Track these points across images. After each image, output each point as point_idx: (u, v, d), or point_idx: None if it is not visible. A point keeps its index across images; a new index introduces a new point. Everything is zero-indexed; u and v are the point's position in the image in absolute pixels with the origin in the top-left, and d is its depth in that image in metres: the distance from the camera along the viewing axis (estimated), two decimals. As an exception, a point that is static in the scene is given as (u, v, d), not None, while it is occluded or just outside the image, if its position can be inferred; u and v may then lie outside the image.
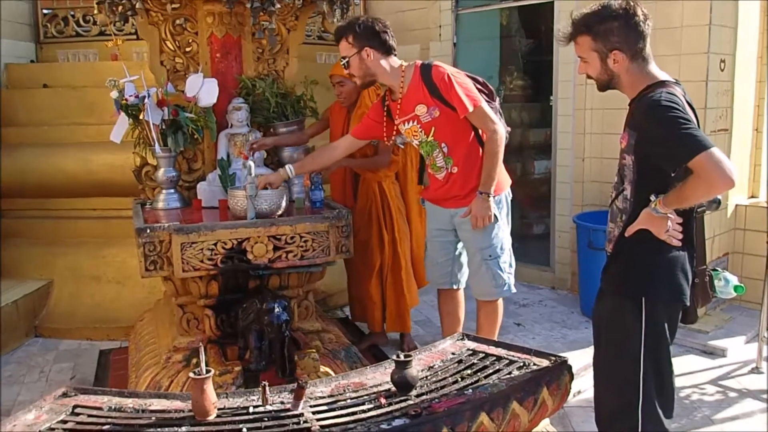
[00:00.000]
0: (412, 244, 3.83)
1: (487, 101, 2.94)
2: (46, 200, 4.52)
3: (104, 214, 4.47)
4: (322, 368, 2.85)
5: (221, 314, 2.99)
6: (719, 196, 2.09)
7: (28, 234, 4.52)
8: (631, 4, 2.08)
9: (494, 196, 2.91)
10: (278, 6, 3.02)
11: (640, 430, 2.11)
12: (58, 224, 4.50)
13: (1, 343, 3.79)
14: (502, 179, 3.01)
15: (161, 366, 2.95)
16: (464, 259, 3.17)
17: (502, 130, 2.87)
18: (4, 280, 4.25)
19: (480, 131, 2.90)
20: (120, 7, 3.11)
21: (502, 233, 3.01)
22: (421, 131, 2.94)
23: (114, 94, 3.14)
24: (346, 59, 2.94)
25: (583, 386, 3.25)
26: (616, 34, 2.07)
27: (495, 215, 2.90)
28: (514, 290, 3.11)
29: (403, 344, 3.85)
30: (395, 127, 3.05)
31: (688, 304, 2.10)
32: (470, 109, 2.80)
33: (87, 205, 4.49)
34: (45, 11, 5.20)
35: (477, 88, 2.94)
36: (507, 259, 3.05)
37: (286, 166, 3.04)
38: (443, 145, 2.92)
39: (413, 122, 2.93)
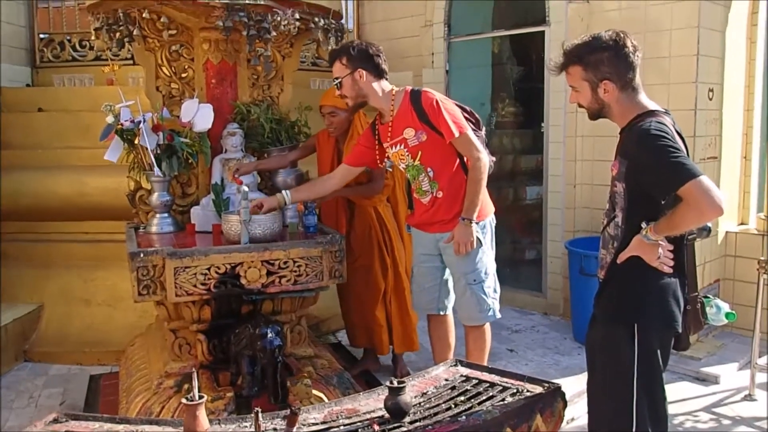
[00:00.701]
0: (407, 267, 3.85)
1: (473, 130, 3.01)
2: (38, 223, 4.50)
3: (96, 237, 4.44)
4: (315, 394, 2.82)
5: (213, 339, 2.98)
6: (709, 224, 2.12)
7: (19, 257, 4.49)
8: (621, 35, 2.12)
9: (478, 222, 2.95)
10: (274, 34, 3.06)
11: (633, 456, 2.10)
12: (50, 247, 4.47)
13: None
14: (486, 205, 3.05)
15: (152, 392, 2.92)
16: (451, 284, 3.19)
17: (486, 158, 2.93)
18: (-7, 304, 4.23)
19: (465, 158, 2.95)
20: (118, 34, 3.14)
21: (486, 258, 3.04)
22: (408, 155, 2.98)
23: (110, 118, 3.16)
24: (339, 80, 2.99)
25: (577, 413, 3.24)
26: (606, 65, 2.11)
27: (479, 239, 2.94)
28: (498, 315, 3.13)
29: (396, 370, 3.83)
30: (385, 151, 3.09)
31: (680, 330, 2.12)
32: (456, 134, 2.85)
33: (79, 228, 4.47)
34: (42, 36, 5.25)
35: (464, 117, 3.01)
36: (491, 284, 3.08)
37: (283, 192, 3.06)
38: (429, 169, 2.97)
39: (401, 146, 2.98)
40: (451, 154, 2.95)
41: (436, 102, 2.88)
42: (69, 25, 5.29)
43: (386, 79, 3.05)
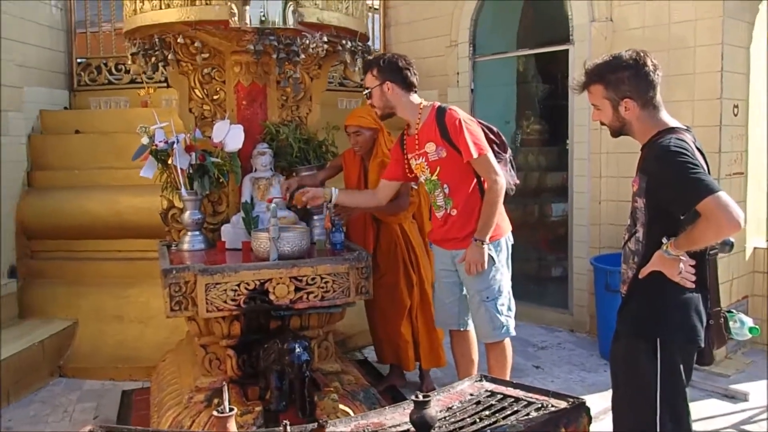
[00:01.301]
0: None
1: (497, 152, 3.06)
2: (73, 242, 4.65)
3: (128, 255, 4.58)
4: (342, 409, 2.87)
5: (243, 354, 3.04)
6: (731, 239, 2.13)
7: (54, 274, 4.63)
8: (641, 54, 2.16)
9: (494, 241, 3.00)
10: (303, 56, 3.15)
11: (658, 471, 2.11)
12: (83, 265, 4.61)
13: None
14: (502, 224, 3.09)
15: (183, 406, 3.00)
16: None
17: (503, 181, 2.96)
18: (31, 319, 4.35)
19: (483, 180, 3.00)
20: (153, 58, 3.27)
21: (500, 276, 3.07)
22: (427, 168, 3.05)
23: (145, 140, 3.27)
24: (369, 90, 3.09)
25: (603, 429, 3.23)
26: (627, 84, 2.16)
27: (492, 258, 2.99)
28: (513, 333, 3.15)
29: (422, 385, 3.86)
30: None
31: (702, 345, 2.13)
32: (474, 155, 2.91)
33: (111, 246, 4.60)
34: (79, 60, 5.45)
35: (489, 138, 3.07)
36: (505, 302, 3.10)
37: (332, 189, 3.18)
38: (445, 186, 3.03)
39: (422, 158, 3.06)
40: (468, 173, 3.00)
41: (459, 121, 2.94)
42: (105, 50, 5.49)
43: (415, 92, 3.12)
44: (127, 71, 5.34)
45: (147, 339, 4.28)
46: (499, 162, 3.05)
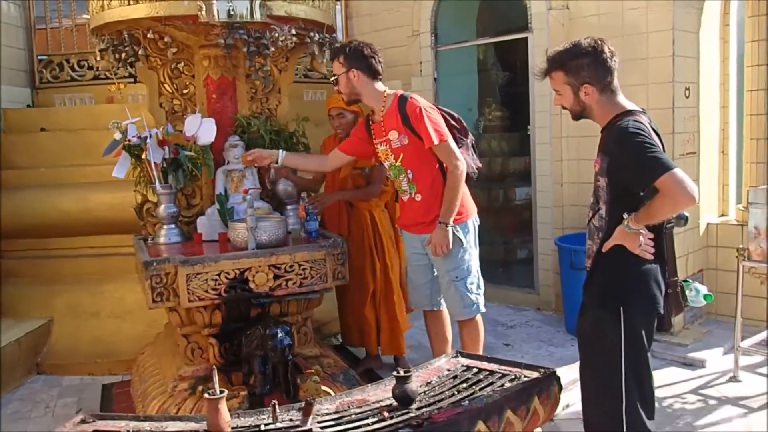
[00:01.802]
0: (401, 271, 4.00)
1: (458, 138, 3.20)
2: (45, 240, 4.62)
3: (101, 251, 4.58)
4: (324, 390, 2.97)
5: (224, 343, 3.11)
6: (686, 213, 2.30)
7: (27, 273, 4.61)
8: (599, 42, 2.30)
9: (461, 222, 3.14)
10: (273, 49, 3.22)
11: (625, 431, 2.26)
12: (57, 263, 4.60)
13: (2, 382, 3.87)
14: (468, 206, 3.23)
15: (168, 395, 3.06)
16: None
17: (464, 165, 3.09)
18: (5, 319, 4.33)
19: (444, 165, 3.12)
20: (123, 54, 3.29)
21: (469, 256, 3.21)
22: (391, 155, 3.18)
23: (117, 135, 3.29)
24: (336, 77, 3.20)
25: (572, 400, 3.40)
26: (586, 70, 2.29)
27: (460, 239, 3.13)
28: (483, 309, 3.30)
29: (397, 367, 3.97)
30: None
31: (662, 312, 2.29)
32: (435, 142, 3.03)
33: (85, 243, 4.60)
34: (40, 57, 5.38)
35: (450, 124, 3.20)
36: (474, 281, 3.25)
37: (279, 151, 3.28)
38: (409, 171, 3.15)
39: (386, 145, 3.18)
40: (430, 159, 3.12)
41: (420, 109, 3.06)
42: (66, 47, 5.43)
43: (380, 80, 3.22)
44: (90, 68, 5.32)
45: (124, 333, 4.30)
46: (460, 147, 3.18)
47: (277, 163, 3.27)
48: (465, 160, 3.13)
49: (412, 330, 4.18)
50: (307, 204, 3.36)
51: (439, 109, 3.24)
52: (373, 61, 3.17)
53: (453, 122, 3.26)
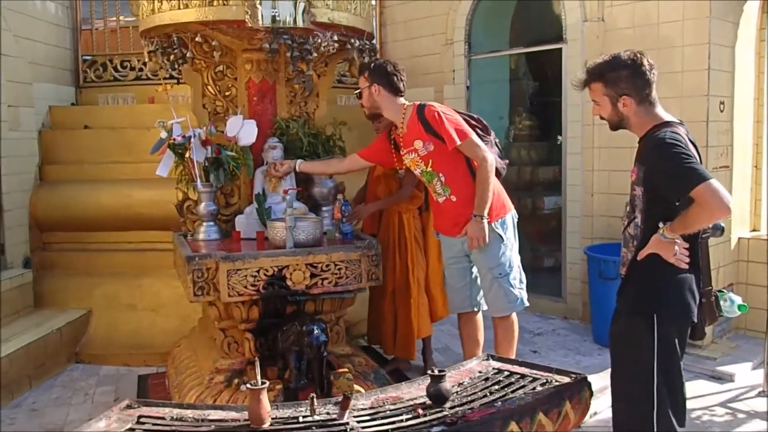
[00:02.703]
0: (428, 278, 4.05)
1: (481, 135, 3.29)
2: (85, 234, 4.78)
3: (139, 246, 4.72)
4: (356, 387, 3.04)
5: (260, 338, 3.20)
6: (722, 223, 2.33)
7: (68, 265, 4.77)
8: (638, 55, 2.35)
9: (500, 218, 3.21)
10: (315, 55, 3.31)
11: (656, 437, 2.30)
12: (96, 256, 4.75)
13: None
14: (505, 202, 3.31)
15: (204, 386, 3.15)
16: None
17: (491, 158, 3.18)
18: (47, 309, 4.48)
19: (472, 162, 3.19)
20: (171, 56, 3.40)
21: (510, 252, 3.28)
22: (421, 162, 3.27)
23: (163, 134, 3.41)
24: (359, 91, 3.35)
25: (600, 408, 3.43)
26: (624, 82, 2.34)
27: (500, 235, 3.19)
28: (527, 303, 3.36)
29: (426, 369, 4.03)
30: (402, 157, 3.39)
31: (695, 321, 2.32)
32: (458, 142, 3.12)
33: (123, 238, 4.74)
34: (85, 58, 5.55)
35: (471, 124, 3.30)
36: (517, 276, 3.31)
37: (297, 160, 3.43)
38: (441, 174, 3.23)
39: (414, 154, 3.27)
40: (458, 160, 3.20)
41: (438, 113, 3.16)
42: (110, 47, 5.60)
43: (402, 96, 3.33)
44: (132, 68, 5.48)
45: (159, 327, 4.42)
46: (485, 144, 3.26)
47: (294, 171, 3.43)
48: (490, 154, 3.21)
49: (438, 333, 4.24)
50: (344, 214, 3.45)
51: (457, 111, 3.34)
52: (395, 78, 3.27)
53: (473, 122, 3.36)
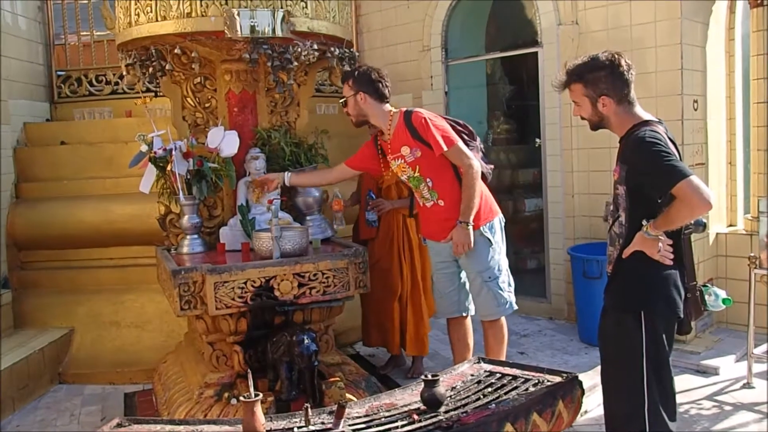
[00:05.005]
0: (425, 275, 4.09)
1: (467, 141, 3.31)
2: (66, 251, 4.70)
3: (121, 262, 4.67)
4: (348, 396, 3.03)
5: (248, 350, 3.18)
6: (704, 219, 2.38)
7: (48, 284, 4.69)
8: (616, 56, 2.39)
9: (487, 222, 3.24)
10: (296, 64, 3.31)
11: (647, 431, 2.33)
12: (78, 273, 4.68)
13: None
14: (492, 206, 3.34)
15: (194, 401, 3.11)
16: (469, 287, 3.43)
17: (477, 164, 3.20)
18: (27, 329, 4.40)
19: (459, 168, 3.21)
20: (150, 69, 3.38)
21: (498, 255, 3.30)
22: (408, 168, 3.28)
23: (143, 147, 3.38)
24: (344, 99, 3.35)
25: (589, 406, 3.46)
26: (603, 82, 2.38)
27: (488, 239, 3.23)
28: (515, 307, 3.39)
29: (413, 371, 4.06)
30: (388, 163, 3.41)
31: (682, 316, 2.36)
32: (445, 148, 3.14)
33: (105, 254, 4.68)
34: (59, 73, 5.49)
35: (457, 129, 3.31)
36: (505, 279, 3.34)
37: (285, 174, 3.40)
38: (428, 180, 3.25)
39: (401, 160, 3.29)
40: (445, 165, 3.22)
41: (425, 119, 3.18)
42: (84, 62, 5.54)
43: (387, 102, 3.34)
44: (108, 82, 5.42)
45: (144, 343, 4.37)
46: (470, 150, 3.28)
47: (284, 183, 3.41)
48: (476, 160, 3.23)
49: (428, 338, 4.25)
50: (369, 207, 3.61)
51: (444, 117, 3.36)
52: (380, 85, 3.29)
53: (459, 128, 3.37)
